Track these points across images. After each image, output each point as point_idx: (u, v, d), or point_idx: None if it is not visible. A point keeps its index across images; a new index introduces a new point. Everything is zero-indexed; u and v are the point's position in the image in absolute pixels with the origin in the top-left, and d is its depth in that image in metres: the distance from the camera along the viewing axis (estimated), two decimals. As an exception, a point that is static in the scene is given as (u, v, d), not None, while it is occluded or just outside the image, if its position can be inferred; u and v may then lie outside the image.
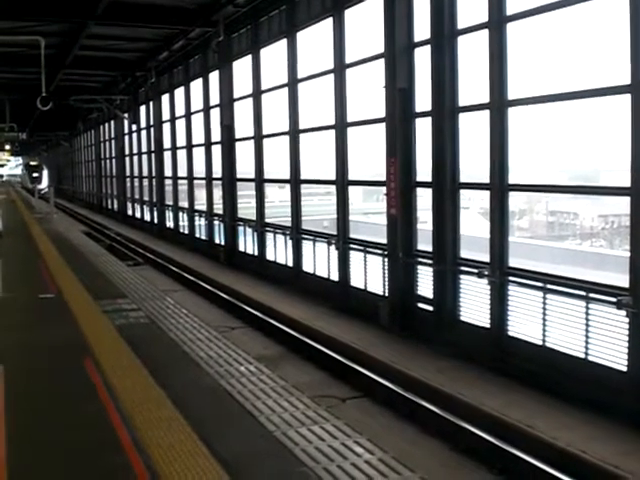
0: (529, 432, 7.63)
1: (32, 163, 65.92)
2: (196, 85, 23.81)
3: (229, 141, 20.55)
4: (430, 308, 11.64)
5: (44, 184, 63.32)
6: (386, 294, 12.81)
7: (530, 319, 9.64)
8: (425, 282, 11.87)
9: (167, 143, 27.85)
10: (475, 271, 10.53)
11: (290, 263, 16.84)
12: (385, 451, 4.65)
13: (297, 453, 4.64)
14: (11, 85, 29.19)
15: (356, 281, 14.06)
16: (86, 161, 50.63)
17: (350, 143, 14.21)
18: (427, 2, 11.12)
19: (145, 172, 31.61)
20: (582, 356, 8.75)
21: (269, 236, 18.33)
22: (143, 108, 31.03)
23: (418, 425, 8.41)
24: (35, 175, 62.64)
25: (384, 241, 12.82)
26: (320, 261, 15.47)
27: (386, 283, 12.80)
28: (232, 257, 20.55)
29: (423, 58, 11.53)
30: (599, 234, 20.83)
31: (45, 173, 65.95)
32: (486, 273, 10.27)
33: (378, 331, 12.28)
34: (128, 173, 35.45)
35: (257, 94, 18.45)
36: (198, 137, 23.94)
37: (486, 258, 10.35)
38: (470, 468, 7.39)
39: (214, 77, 21.47)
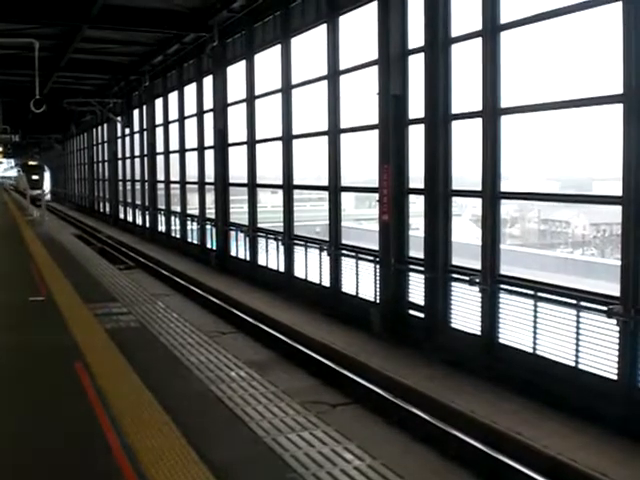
0: (519, 440, 7.63)
1: (31, 163, 59.46)
2: (190, 89, 23.81)
3: (222, 146, 20.55)
4: (421, 315, 11.65)
5: (45, 189, 56.42)
6: (377, 300, 12.82)
7: (521, 327, 9.66)
8: (416, 289, 11.88)
9: (160, 147, 27.83)
10: (466, 278, 10.55)
11: (282, 268, 16.83)
12: (375, 458, 4.64)
13: (287, 459, 4.63)
14: (4, 87, 29.12)
15: (348, 287, 14.06)
16: (78, 164, 50.53)
17: (343, 149, 14.23)
18: (421, 10, 11.16)
19: (138, 176, 31.57)
20: (573, 364, 8.76)
21: (261, 241, 18.33)
22: (136, 112, 31.02)
23: (408, 432, 8.41)
24: (35, 178, 55.96)
25: (376, 247, 12.83)
26: (312, 267, 15.47)
27: (377, 289, 12.81)
28: (224, 262, 20.53)
29: (417, 65, 11.57)
30: (590, 242, 20.89)
31: (47, 175, 59.12)
32: (477, 280, 10.29)
33: (369, 337, 12.28)
34: (120, 176, 35.41)
35: (251, 99, 18.46)
36: (191, 141, 23.95)
37: (477, 265, 10.37)
38: (460, 475, 7.38)
39: (208, 82, 21.49)
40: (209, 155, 21.92)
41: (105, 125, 37.59)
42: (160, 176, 28.06)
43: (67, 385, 6.31)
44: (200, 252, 22.79)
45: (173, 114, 26.02)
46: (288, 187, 16.48)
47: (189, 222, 24.73)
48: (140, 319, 8.92)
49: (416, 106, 11.65)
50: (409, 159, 12.07)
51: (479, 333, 10.35)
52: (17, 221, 25.11)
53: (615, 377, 8.19)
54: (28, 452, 4.86)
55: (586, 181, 13.19)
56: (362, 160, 15.29)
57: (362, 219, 23.41)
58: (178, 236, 25.90)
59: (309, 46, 15.55)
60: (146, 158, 29.52)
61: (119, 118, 32.68)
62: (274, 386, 6.20)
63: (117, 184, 36.10)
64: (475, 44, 10.25)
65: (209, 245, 22.28)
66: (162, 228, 28.09)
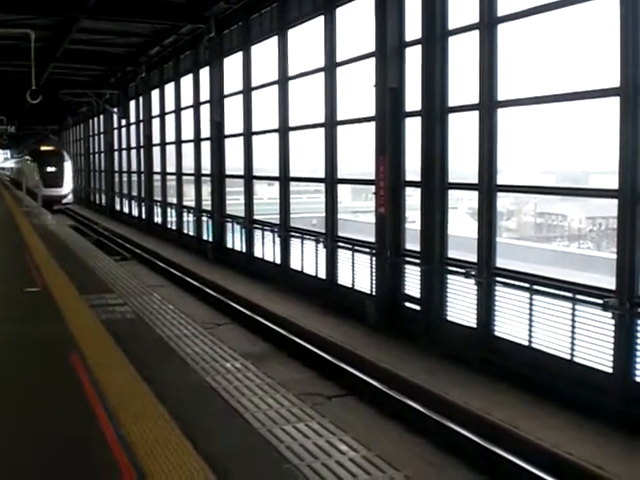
0: (513, 432, 7.65)
1: (44, 148, 41.39)
2: (186, 81, 23.75)
3: (219, 137, 20.51)
4: (417, 307, 11.66)
5: (67, 187, 39.96)
6: (373, 293, 12.83)
7: (517, 320, 9.67)
8: (412, 281, 11.89)
9: (156, 138, 27.77)
10: (462, 271, 10.56)
11: (278, 260, 16.83)
12: (370, 449, 4.64)
13: (282, 450, 4.63)
14: (0, 78, 29.02)
15: (344, 279, 14.06)
16: (74, 155, 50.36)
17: (340, 141, 14.21)
18: (418, 2, 11.14)
19: (134, 167, 31.50)
20: (568, 357, 8.78)
21: (257, 233, 18.32)
22: (133, 103, 30.92)
23: (403, 424, 8.43)
24: (50, 170, 38.85)
25: (372, 240, 12.83)
26: (308, 259, 15.47)
27: (374, 282, 12.81)
28: (220, 254, 20.51)
29: (414, 58, 11.55)
30: (587, 236, 20.94)
31: (68, 167, 40.48)
32: (473, 273, 10.30)
33: (365, 330, 12.29)
34: (117, 168, 35.32)
35: (247, 91, 18.42)
36: (187, 133, 23.89)
37: (474, 258, 10.38)
38: (454, 467, 7.40)
39: (205, 73, 21.43)
40: (205, 147, 21.87)
41: (101, 116, 37.49)
42: (156, 168, 28.00)
43: (63, 376, 6.30)
44: (196, 244, 22.77)
45: (169, 105, 25.96)
46: (284, 179, 16.46)
47: (185, 214, 24.70)
48: (136, 310, 8.91)
49: (413, 98, 11.64)
50: (405, 152, 12.07)
51: (475, 326, 10.36)
52: (12, 212, 25.06)
53: (610, 370, 8.21)
54: (27, 447, 4.85)
55: (582, 174, 13.21)
56: (359, 152, 15.27)
57: (358, 211, 23.42)
58: (174, 228, 25.87)
59: (306, 38, 15.51)
60: (142, 149, 29.46)
61: (115, 109, 32.59)
62: (270, 378, 6.19)
63: (113, 175, 36.01)
64: (472, 37, 10.23)
65: (205, 237, 22.26)
66: (158, 220, 28.04)
